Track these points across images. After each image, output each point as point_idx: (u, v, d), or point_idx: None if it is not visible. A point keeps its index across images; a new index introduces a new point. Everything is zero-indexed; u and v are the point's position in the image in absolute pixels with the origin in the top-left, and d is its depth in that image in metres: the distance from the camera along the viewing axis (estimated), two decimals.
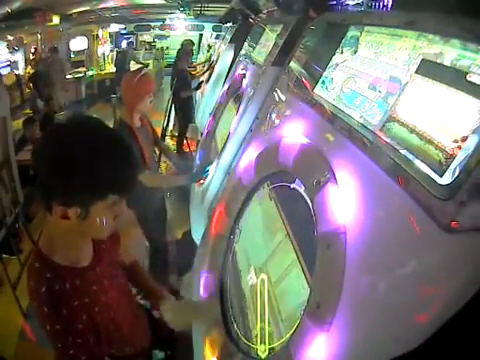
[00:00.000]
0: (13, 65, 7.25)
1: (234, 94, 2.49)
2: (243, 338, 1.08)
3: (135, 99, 1.99)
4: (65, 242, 0.86)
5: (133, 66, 8.14)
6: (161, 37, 11.70)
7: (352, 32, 1.16)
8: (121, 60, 8.46)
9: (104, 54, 10.08)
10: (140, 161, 1.97)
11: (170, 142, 5.22)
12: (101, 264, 0.95)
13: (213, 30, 10.51)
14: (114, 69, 8.86)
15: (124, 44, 9.01)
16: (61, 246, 0.86)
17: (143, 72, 2.00)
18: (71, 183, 0.73)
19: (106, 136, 0.79)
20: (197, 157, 2.75)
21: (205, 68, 5.77)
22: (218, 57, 4.79)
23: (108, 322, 0.93)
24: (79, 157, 0.72)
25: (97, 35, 9.55)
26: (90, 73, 8.90)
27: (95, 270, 0.92)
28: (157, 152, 2.59)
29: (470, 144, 0.61)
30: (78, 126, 0.79)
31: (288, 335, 0.87)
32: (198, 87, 4.84)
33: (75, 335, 0.82)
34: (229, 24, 5.46)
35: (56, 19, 6.66)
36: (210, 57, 6.57)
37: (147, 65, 8.74)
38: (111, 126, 0.94)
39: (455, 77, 0.70)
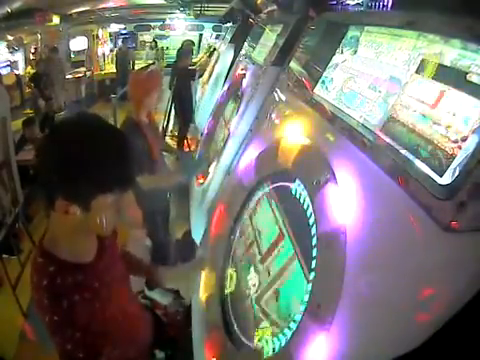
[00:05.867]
0: (13, 65, 7.26)
1: (234, 94, 2.49)
2: (243, 338, 1.08)
3: (142, 96, 1.99)
4: (68, 238, 0.87)
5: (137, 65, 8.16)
6: (161, 37, 11.70)
7: (352, 32, 1.16)
8: (122, 61, 8.45)
9: (104, 54, 10.07)
10: (142, 157, 1.97)
11: (170, 142, 5.23)
12: (104, 261, 0.95)
13: (213, 30, 10.52)
14: (115, 70, 8.85)
15: (124, 45, 8.97)
16: (65, 242, 0.87)
17: (149, 68, 2.01)
18: (71, 178, 0.76)
19: (105, 132, 0.82)
20: (197, 157, 2.76)
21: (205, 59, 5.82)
22: (218, 57, 4.79)
23: (109, 320, 0.93)
24: (79, 152, 0.75)
25: (97, 35, 9.55)
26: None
27: (98, 267, 0.93)
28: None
29: (470, 144, 0.61)
30: (78, 123, 0.82)
31: (288, 335, 0.87)
32: (199, 76, 4.86)
33: (74, 329, 0.82)
34: (229, 24, 5.46)
35: (56, 19, 6.65)
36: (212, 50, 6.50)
37: (153, 62, 8.74)
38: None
39: (455, 77, 0.70)
